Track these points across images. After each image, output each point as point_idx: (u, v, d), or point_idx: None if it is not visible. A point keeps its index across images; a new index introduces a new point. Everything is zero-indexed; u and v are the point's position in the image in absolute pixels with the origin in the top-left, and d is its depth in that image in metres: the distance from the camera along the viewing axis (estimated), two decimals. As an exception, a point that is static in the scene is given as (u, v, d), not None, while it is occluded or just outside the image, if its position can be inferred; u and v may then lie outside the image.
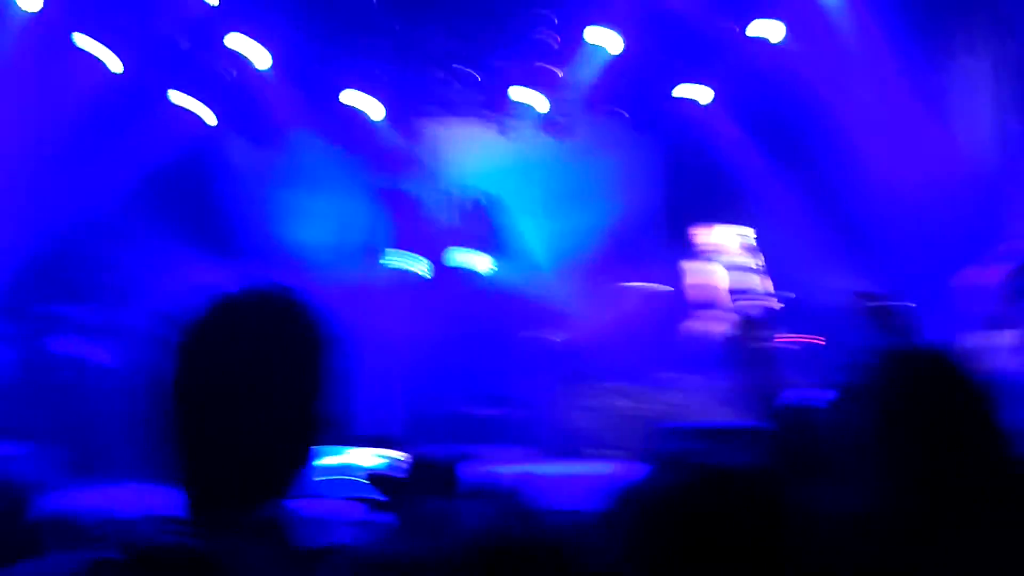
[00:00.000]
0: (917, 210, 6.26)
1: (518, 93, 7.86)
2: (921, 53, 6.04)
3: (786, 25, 6.87)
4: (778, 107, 7.15)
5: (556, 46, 7.48)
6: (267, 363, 1.20)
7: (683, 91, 7.65)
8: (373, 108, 8.02)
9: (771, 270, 6.86)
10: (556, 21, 7.31)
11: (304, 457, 1.21)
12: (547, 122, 8.13)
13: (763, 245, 7.02)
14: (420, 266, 7.99)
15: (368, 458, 4.63)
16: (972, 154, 5.97)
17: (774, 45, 6.98)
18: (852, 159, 6.76)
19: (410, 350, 7.25)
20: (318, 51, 7.61)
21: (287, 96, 7.89)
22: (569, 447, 6.45)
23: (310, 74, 7.81)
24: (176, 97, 7.66)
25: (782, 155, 7.33)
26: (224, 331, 1.22)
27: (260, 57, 7.57)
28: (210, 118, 7.89)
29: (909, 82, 6.16)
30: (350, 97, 7.93)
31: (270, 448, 1.19)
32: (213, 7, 7.12)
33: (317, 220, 8.00)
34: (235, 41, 7.43)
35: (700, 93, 7.72)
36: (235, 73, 7.63)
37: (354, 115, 8.04)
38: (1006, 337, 4.67)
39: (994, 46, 5.85)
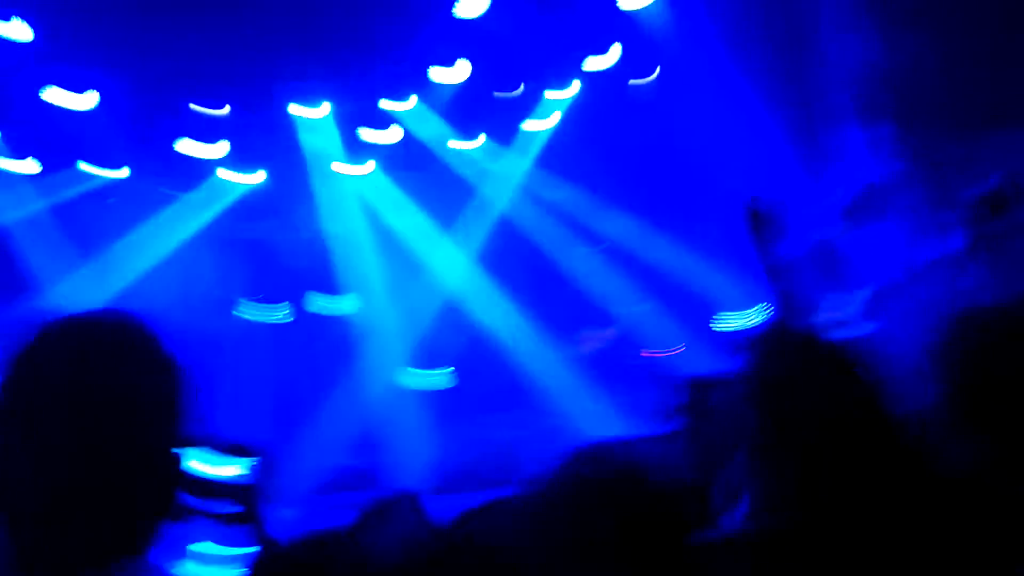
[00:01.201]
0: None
1: (367, 133, 7.64)
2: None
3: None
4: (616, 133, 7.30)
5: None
6: (108, 393, 0.99)
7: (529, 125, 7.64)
8: (213, 153, 7.54)
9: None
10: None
11: (164, 503, 1.01)
12: (399, 158, 7.95)
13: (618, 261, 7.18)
14: (278, 314, 7.56)
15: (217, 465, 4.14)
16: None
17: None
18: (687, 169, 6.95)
19: (272, 400, 6.80)
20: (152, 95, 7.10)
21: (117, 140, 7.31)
22: (454, 483, 6.16)
23: (143, 118, 7.29)
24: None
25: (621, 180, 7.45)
26: (55, 358, 1.01)
27: (83, 99, 6.97)
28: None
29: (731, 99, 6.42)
30: (186, 146, 7.42)
31: (119, 494, 0.97)
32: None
33: (162, 272, 7.39)
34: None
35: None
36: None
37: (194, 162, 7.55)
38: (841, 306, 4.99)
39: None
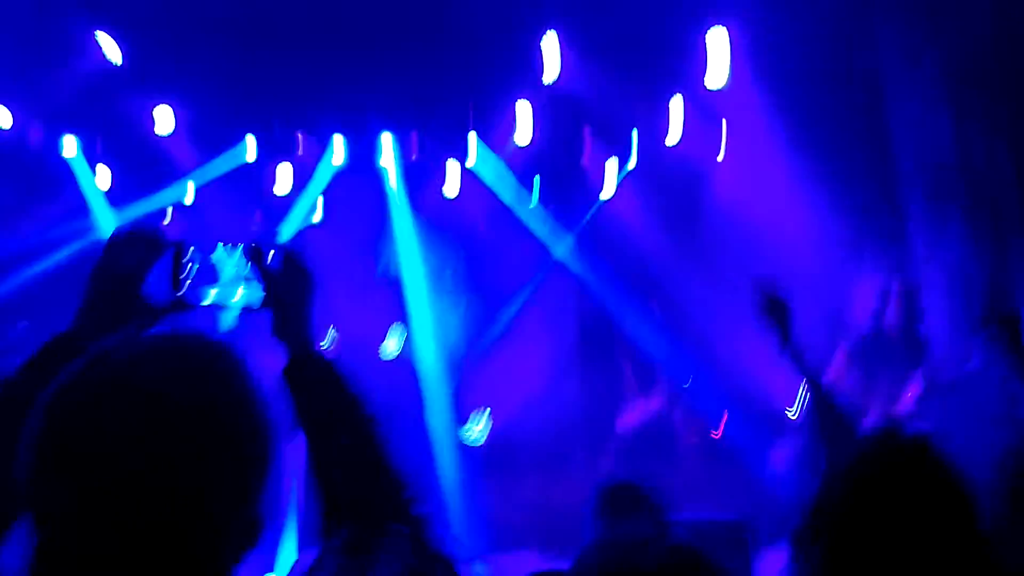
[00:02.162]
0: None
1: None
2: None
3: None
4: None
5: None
6: (182, 443, 0.90)
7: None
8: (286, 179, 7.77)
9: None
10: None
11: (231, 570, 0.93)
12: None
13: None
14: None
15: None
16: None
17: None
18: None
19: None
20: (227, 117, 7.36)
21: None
22: (493, 542, 6.07)
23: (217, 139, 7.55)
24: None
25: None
26: (112, 397, 0.90)
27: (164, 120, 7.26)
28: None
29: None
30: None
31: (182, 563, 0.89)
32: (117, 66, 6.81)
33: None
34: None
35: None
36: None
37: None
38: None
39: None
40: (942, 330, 5.17)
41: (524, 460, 6.90)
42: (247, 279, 1.41)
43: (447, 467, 6.96)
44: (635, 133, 7.06)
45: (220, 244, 1.44)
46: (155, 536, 0.87)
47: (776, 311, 2.49)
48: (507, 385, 7.32)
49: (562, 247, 7.75)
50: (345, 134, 7.54)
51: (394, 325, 7.84)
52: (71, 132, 7.36)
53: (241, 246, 1.42)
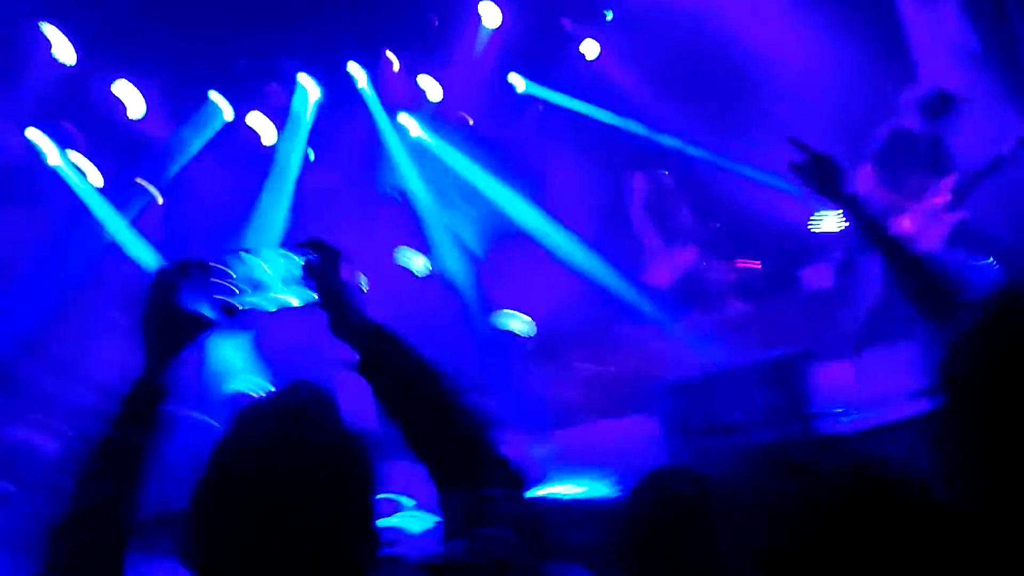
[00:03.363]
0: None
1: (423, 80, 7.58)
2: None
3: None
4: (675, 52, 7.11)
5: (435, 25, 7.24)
6: (312, 493, 1.10)
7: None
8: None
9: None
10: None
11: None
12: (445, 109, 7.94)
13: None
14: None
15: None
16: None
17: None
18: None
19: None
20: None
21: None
22: (550, 421, 6.34)
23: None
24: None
25: (683, 99, 7.29)
26: (258, 454, 1.12)
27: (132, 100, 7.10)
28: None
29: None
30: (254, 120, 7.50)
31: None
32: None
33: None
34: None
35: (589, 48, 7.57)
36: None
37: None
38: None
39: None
40: (960, 125, 5.19)
41: (571, 340, 7.09)
42: (293, 281, 1.44)
43: (500, 357, 7.17)
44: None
45: (246, 253, 1.47)
46: (305, 556, 1.05)
47: (819, 175, 2.29)
48: (541, 273, 7.45)
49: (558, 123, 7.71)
50: (312, 71, 7.37)
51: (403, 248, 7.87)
52: (46, 134, 7.18)
53: (283, 252, 1.46)
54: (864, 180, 5.12)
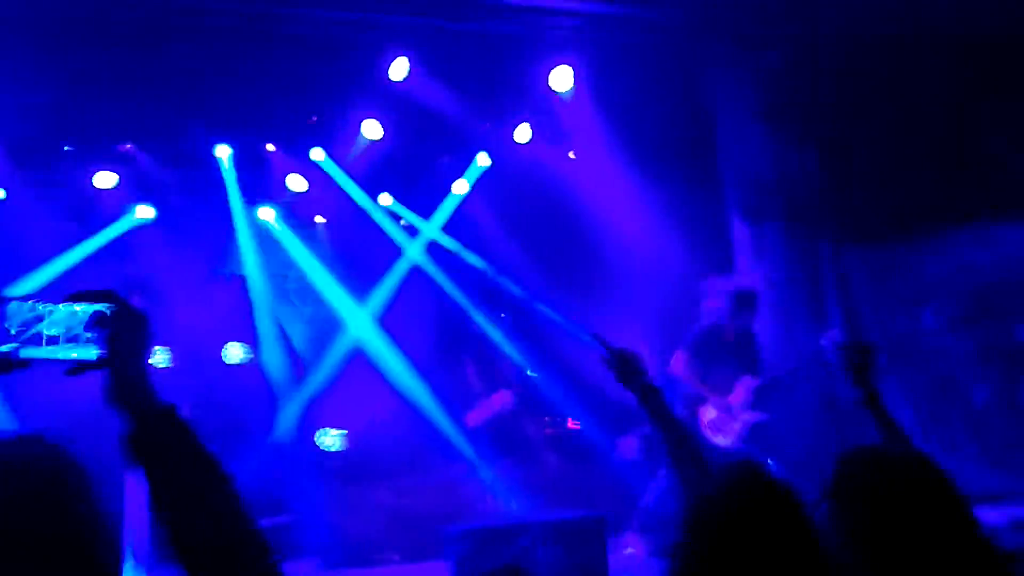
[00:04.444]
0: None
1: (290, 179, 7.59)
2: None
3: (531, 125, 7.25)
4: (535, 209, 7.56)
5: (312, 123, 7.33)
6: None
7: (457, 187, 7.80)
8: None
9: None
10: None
11: None
12: (303, 206, 7.92)
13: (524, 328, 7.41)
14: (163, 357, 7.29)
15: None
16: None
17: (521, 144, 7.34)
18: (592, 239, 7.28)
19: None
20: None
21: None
22: (353, 554, 6.12)
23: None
24: None
25: (532, 252, 7.70)
26: None
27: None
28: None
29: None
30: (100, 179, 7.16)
31: None
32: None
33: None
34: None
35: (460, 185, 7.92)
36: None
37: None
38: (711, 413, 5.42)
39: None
40: (768, 331, 5.80)
41: (379, 468, 6.96)
42: (79, 336, 1.27)
43: (301, 476, 6.91)
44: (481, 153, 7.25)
45: (37, 302, 1.28)
46: None
47: (629, 377, 2.52)
48: (360, 390, 7.35)
49: (415, 248, 7.85)
50: (177, 139, 7.19)
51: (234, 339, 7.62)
52: None
53: (71, 303, 1.28)
54: (678, 366, 5.54)
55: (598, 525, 4.98)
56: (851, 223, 6.18)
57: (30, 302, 1.27)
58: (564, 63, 6.23)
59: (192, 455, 1.23)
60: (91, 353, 1.25)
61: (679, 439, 2.45)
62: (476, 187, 7.61)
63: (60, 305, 1.27)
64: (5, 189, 7.14)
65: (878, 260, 6.26)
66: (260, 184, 7.60)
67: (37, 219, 7.20)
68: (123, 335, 1.24)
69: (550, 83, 6.34)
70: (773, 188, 5.99)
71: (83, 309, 1.27)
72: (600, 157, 6.67)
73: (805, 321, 5.97)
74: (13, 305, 1.27)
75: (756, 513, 1.57)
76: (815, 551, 1.55)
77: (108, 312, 1.26)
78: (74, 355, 1.26)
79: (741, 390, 5.52)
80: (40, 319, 1.27)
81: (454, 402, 7.18)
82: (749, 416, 5.46)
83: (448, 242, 7.79)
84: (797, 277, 6.01)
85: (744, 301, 5.54)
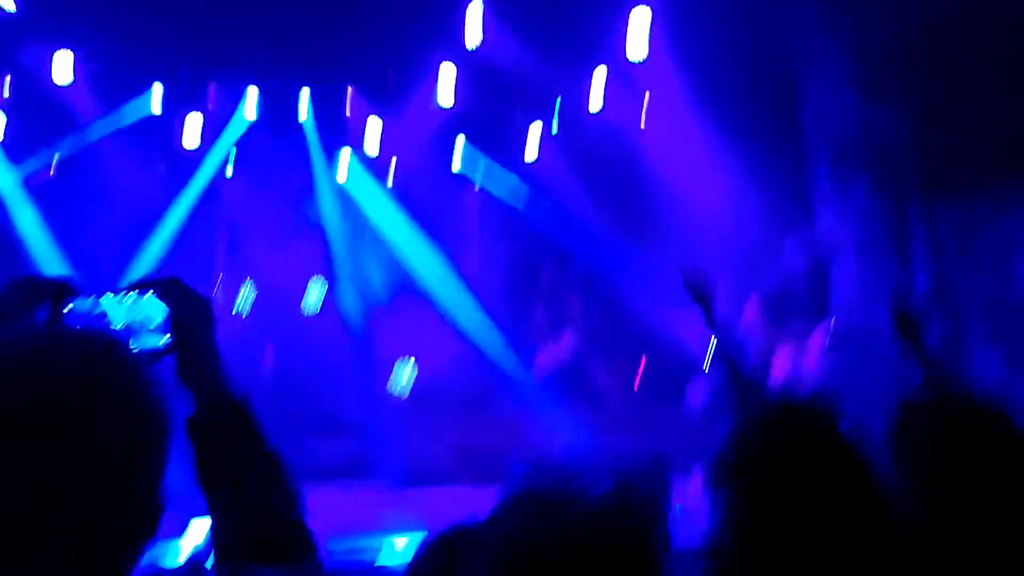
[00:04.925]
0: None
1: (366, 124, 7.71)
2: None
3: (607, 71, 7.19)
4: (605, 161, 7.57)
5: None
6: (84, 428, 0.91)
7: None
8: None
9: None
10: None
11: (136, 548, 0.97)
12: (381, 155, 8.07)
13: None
14: (249, 294, 7.60)
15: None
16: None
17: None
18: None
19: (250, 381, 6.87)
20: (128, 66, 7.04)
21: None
22: (420, 476, 6.38)
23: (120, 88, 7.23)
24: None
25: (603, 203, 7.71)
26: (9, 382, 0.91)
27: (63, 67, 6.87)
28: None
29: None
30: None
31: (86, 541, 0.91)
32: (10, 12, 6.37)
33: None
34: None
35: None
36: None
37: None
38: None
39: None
40: (849, 286, 5.77)
41: (449, 402, 7.19)
42: (141, 325, 1.25)
43: (375, 410, 7.18)
44: (558, 101, 7.22)
45: (109, 293, 1.26)
46: (48, 521, 0.88)
47: (701, 296, 2.70)
48: (431, 332, 7.56)
49: (486, 192, 7.96)
50: (260, 86, 7.37)
51: (314, 278, 7.89)
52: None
53: (131, 292, 1.26)
54: (752, 318, 5.55)
55: (662, 464, 5.08)
56: (939, 177, 6.03)
57: (92, 297, 1.26)
58: (642, 3, 6.19)
59: (251, 448, 1.21)
60: (158, 341, 1.25)
61: (740, 374, 2.61)
62: (549, 135, 7.66)
63: (123, 294, 1.26)
64: (95, 136, 7.47)
65: (966, 215, 6.13)
66: (339, 130, 7.74)
67: (125, 165, 7.53)
68: (186, 321, 1.24)
69: (628, 29, 6.29)
70: (859, 141, 5.89)
71: (144, 298, 1.26)
72: (676, 108, 6.62)
73: (889, 276, 5.92)
74: (82, 301, 1.26)
75: (807, 450, 1.50)
76: (871, 496, 1.47)
77: (170, 298, 1.25)
78: (143, 343, 1.24)
79: (815, 342, 5.52)
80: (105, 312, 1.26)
81: (522, 344, 7.34)
82: (823, 368, 5.47)
83: (520, 188, 7.88)
84: (882, 232, 5.92)
85: (821, 255, 5.52)
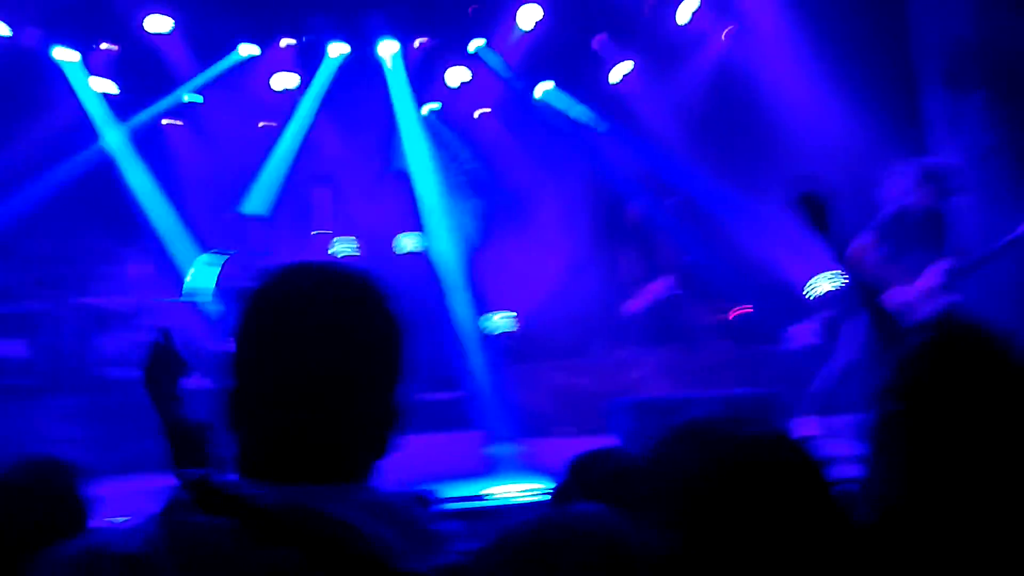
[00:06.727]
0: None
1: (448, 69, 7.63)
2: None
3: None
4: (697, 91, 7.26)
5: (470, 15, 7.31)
6: (352, 343, 1.07)
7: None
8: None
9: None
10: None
11: (383, 448, 1.10)
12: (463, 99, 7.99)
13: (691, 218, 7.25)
14: (351, 247, 7.69)
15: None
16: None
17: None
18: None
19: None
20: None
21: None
22: (521, 427, 6.35)
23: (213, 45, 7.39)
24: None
25: (697, 138, 7.44)
26: (303, 304, 1.07)
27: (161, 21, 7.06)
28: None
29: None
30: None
31: (349, 437, 1.06)
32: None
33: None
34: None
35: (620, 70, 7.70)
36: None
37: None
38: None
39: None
40: (967, 209, 5.36)
41: (546, 348, 7.14)
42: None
43: (473, 356, 7.19)
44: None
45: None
46: (326, 404, 1.04)
47: (815, 209, 2.64)
48: (525, 274, 7.50)
49: (572, 133, 7.80)
50: (344, 36, 7.41)
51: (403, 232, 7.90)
52: (67, 39, 7.14)
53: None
54: (862, 251, 5.23)
55: (769, 402, 4.90)
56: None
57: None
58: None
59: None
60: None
61: (876, 298, 2.46)
62: (636, 68, 7.40)
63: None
64: (200, 95, 7.66)
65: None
66: (423, 79, 7.68)
67: (227, 120, 7.71)
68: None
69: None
70: (976, 52, 5.42)
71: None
72: (776, 30, 6.26)
73: (1011, 197, 5.47)
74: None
75: (994, 374, 1.33)
76: None
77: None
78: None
79: (932, 275, 5.18)
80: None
81: (613, 288, 7.20)
82: (941, 301, 5.13)
83: (608, 126, 7.68)
84: (1002, 149, 5.47)
85: (936, 180, 5.12)
